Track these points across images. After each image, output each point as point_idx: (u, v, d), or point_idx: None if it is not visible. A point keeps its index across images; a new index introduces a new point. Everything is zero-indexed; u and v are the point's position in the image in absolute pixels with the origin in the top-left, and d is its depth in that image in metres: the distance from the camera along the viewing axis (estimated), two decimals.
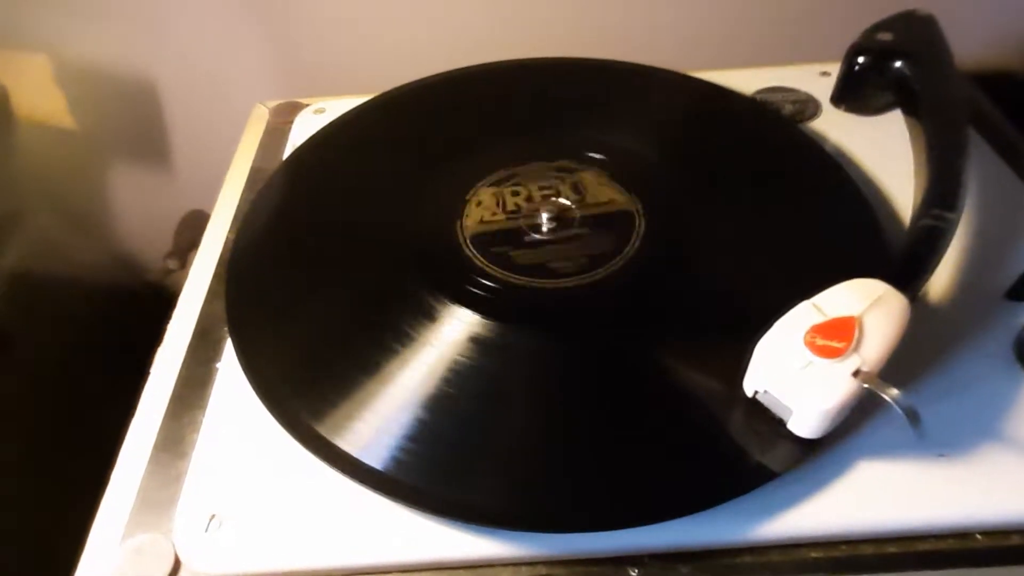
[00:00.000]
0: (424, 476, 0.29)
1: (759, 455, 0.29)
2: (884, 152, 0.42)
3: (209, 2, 0.51)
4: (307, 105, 0.48)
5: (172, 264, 0.54)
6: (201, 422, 0.33)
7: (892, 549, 0.28)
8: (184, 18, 0.52)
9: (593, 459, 0.29)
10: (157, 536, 0.29)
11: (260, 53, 0.54)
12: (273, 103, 0.49)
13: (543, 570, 0.28)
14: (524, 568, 0.28)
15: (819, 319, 0.29)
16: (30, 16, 0.48)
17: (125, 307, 0.57)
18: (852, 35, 0.44)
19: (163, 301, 0.40)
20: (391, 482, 0.29)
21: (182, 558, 0.28)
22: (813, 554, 0.28)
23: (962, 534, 0.28)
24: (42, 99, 0.50)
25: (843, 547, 0.28)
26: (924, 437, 0.27)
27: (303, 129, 0.45)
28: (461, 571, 0.28)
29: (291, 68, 0.55)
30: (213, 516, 0.29)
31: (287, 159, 0.42)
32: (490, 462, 0.30)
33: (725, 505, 0.28)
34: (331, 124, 0.43)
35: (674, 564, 0.28)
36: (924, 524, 0.28)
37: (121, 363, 0.40)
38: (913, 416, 0.26)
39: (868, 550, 0.28)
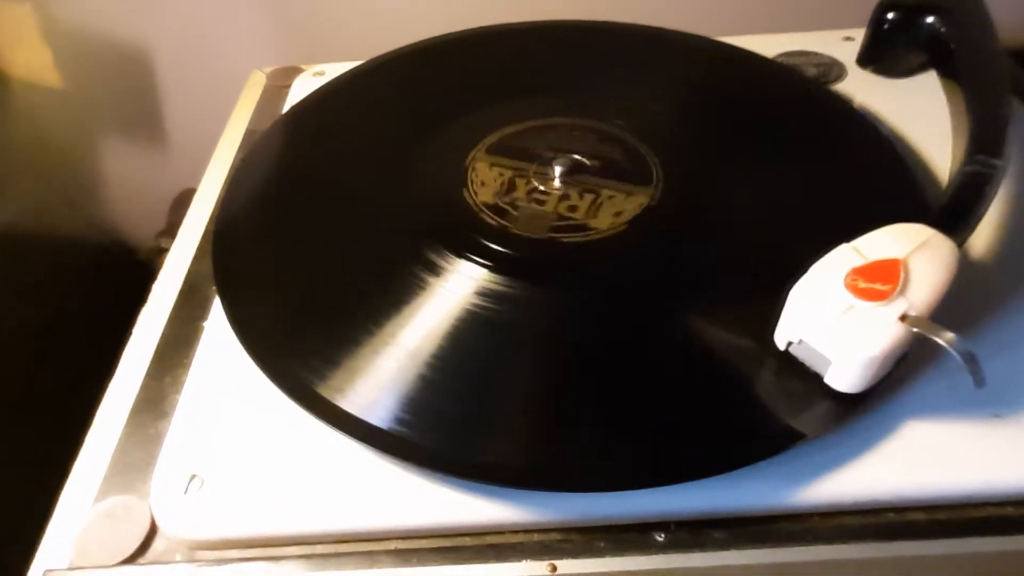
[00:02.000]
0: (430, 434, 0.26)
1: (792, 414, 0.26)
2: (915, 114, 0.40)
3: None
4: (306, 69, 0.46)
5: (165, 243, 0.51)
6: (184, 382, 0.30)
7: (943, 516, 0.25)
8: None
9: (612, 417, 0.27)
10: (131, 498, 0.27)
11: (258, 21, 0.52)
12: (270, 69, 0.47)
13: (557, 536, 0.25)
14: (536, 534, 0.25)
15: (860, 262, 0.26)
16: None
17: (112, 284, 0.54)
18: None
19: (153, 280, 0.37)
20: (391, 439, 0.26)
21: (158, 522, 0.26)
22: (858, 520, 0.25)
23: (1022, 501, 0.26)
24: (26, 53, 0.47)
25: (890, 514, 0.25)
26: (984, 387, 0.24)
27: (301, 92, 0.43)
28: (466, 538, 0.25)
29: (291, 39, 0.53)
30: (193, 477, 0.26)
31: (283, 115, 0.40)
32: (501, 419, 0.27)
33: (761, 468, 0.25)
34: (330, 83, 0.41)
35: (706, 530, 0.25)
36: (979, 490, 0.26)
37: (105, 340, 0.38)
38: (972, 361, 0.24)
39: (918, 517, 0.25)
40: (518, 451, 0.26)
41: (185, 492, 0.26)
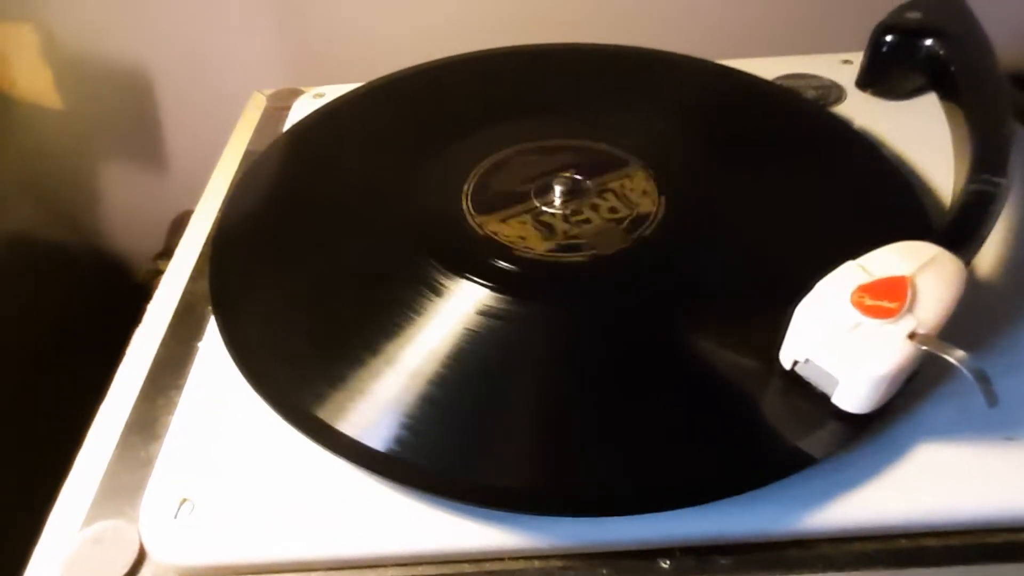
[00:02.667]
0: (429, 457, 0.25)
1: (799, 435, 0.26)
2: (915, 136, 0.40)
3: None
4: (306, 92, 0.46)
5: (162, 265, 0.51)
6: (177, 403, 0.29)
7: (957, 542, 0.25)
8: (183, 9, 0.50)
9: (614, 441, 0.26)
10: (120, 523, 0.26)
11: (260, 44, 0.52)
12: (271, 91, 0.47)
13: (559, 563, 0.24)
14: (537, 561, 0.24)
15: (866, 279, 0.26)
16: None
17: (109, 306, 0.53)
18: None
19: (149, 302, 0.37)
20: (389, 461, 0.25)
21: (147, 547, 0.25)
22: (869, 546, 0.24)
23: None
24: (27, 73, 0.47)
25: (903, 540, 0.25)
26: (996, 406, 0.23)
27: (301, 114, 0.43)
28: (465, 564, 0.25)
29: (292, 62, 0.53)
30: (185, 500, 0.26)
31: (282, 135, 0.40)
32: (502, 442, 0.26)
33: (768, 492, 0.24)
34: (330, 103, 0.41)
35: (712, 556, 0.24)
36: (994, 515, 0.25)
37: (100, 363, 0.37)
38: (983, 380, 0.23)
39: (932, 542, 0.25)
40: (519, 475, 0.25)
41: (175, 516, 0.25)
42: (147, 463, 0.28)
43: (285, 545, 0.25)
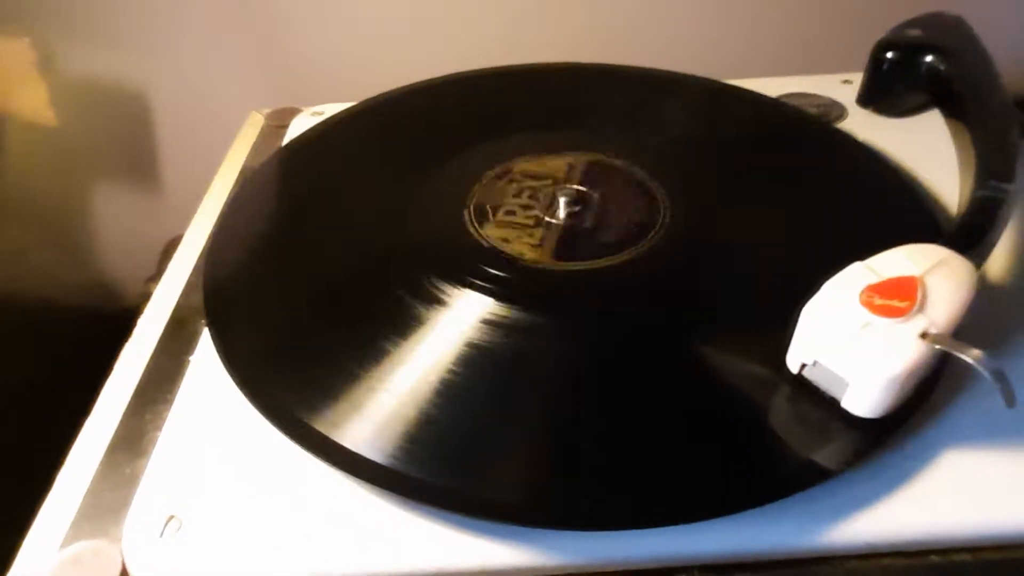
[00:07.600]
0: (431, 469, 0.24)
1: (817, 446, 0.24)
2: (917, 151, 0.39)
3: (204, 20, 0.50)
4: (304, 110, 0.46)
5: (153, 288, 0.50)
6: (166, 418, 0.28)
7: (992, 557, 0.23)
8: (180, 30, 0.51)
9: (623, 452, 0.25)
10: (101, 543, 0.25)
11: (258, 66, 0.52)
12: (269, 110, 0.47)
13: None
14: None
15: (875, 279, 0.25)
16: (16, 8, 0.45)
17: (99, 331, 0.52)
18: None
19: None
20: (389, 474, 0.24)
21: (130, 568, 0.24)
22: (899, 562, 0.23)
23: None
24: (22, 89, 0.46)
25: (933, 556, 0.23)
26: (1015, 406, 0.22)
27: (299, 131, 0.43)
28: None
29: (291, 84, 0.53)
30: (171, 518, 0.24)
31: (279, 150, 0.40)
32: (508, 453, 0.25)
33: (789, 506, 0.23)
34: (327, 120, 0.41)
35: (733, 574, 0.23)
36: None
37: (89, 387, 0.36)
38: (1001, 380, 0.22)
39: (964, 557, 0.23)
40: (526, 487, 0.24)
41: (161, 535, 0.24)
42: (132, 480, 0.26)
43: (278, 564, 0.23)
